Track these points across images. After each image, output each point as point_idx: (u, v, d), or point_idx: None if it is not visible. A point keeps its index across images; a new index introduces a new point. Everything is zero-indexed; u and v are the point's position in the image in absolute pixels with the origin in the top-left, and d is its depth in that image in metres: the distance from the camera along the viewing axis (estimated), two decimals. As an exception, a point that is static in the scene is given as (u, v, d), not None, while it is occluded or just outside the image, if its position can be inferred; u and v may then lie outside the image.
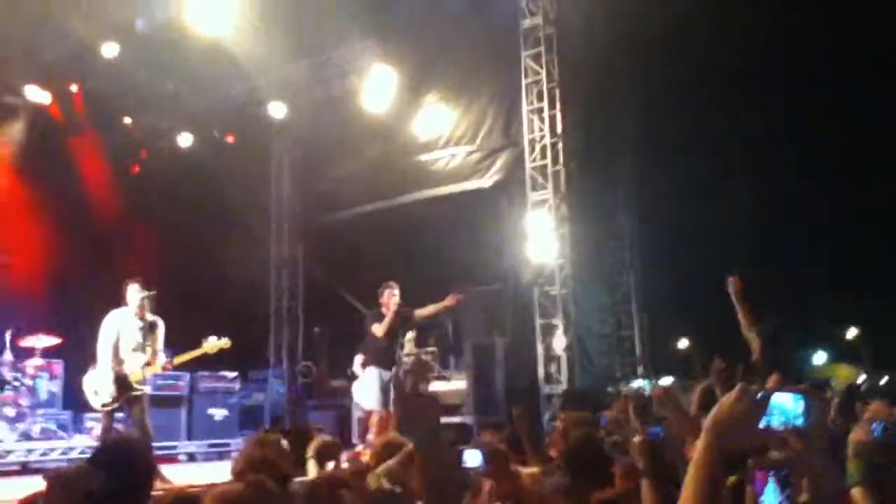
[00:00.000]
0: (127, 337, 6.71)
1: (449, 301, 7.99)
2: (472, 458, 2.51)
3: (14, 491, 5.95)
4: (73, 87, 10.90)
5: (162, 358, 6.87)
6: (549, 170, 9.55)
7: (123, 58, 10.23)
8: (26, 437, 8.07)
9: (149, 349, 6.77)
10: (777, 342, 4.55)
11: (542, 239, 9.42)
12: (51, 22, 9.49)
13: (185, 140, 12.19)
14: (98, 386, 6.57)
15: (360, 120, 11.30)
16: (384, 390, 7.78)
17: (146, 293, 6.80)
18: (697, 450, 1.51)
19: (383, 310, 7.96)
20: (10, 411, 8.02)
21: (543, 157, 9.63)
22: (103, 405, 6.59)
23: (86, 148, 11.28)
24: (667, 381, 8.50)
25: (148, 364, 6.73)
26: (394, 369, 8.00)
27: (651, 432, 3.65)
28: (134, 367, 6.64)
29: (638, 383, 8.49)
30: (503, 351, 9.12)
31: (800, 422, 1.61)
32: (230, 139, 12.50)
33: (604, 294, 10.16)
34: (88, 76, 10.74)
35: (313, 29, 10.48)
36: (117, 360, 6.59)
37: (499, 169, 10.44)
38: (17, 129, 10.81)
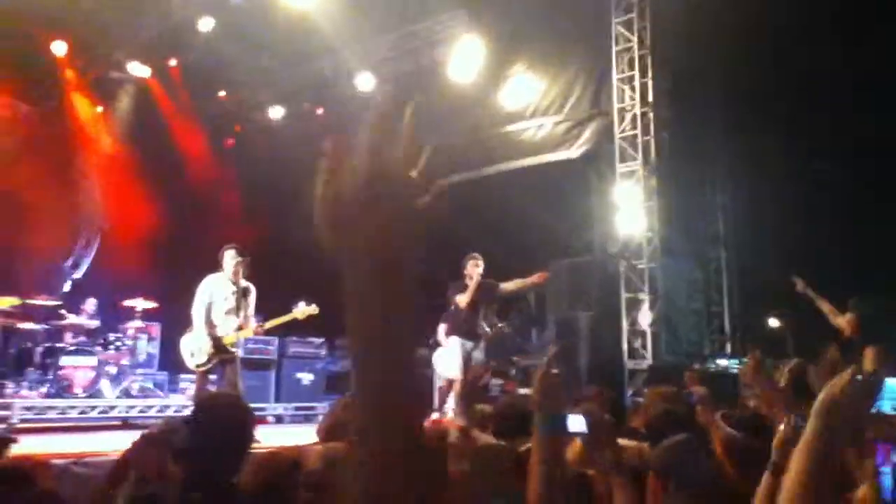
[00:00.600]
0: (221, 301, 6.96)
1: (536, 278, 7.94)
2: (576, 423, 2.46)
3: (115, 444, 6.32)
4: (172, 62, 11.31)
5: (253, 322, 7.11)
6: (639, 140, 9.27)
7: (218, 32, 10.54)
8: (126, 394, 8.54)
9: (241, 313, 7.01)
10: (875, 319, 4.30)
11: (630, 211, 9.18)
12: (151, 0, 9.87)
13: (276, 113, 12.50)
14: (194, 347, 6.85)
15: (447, 91, 11.27)
16: (466, 360, 7.82)
17: (240, 258, 7.03)
18: (806, 435, 1.46)
19: (466, 280, 7.98)
20: (112, 369, 8.50)
21: (633, 127, 9.35)
22: (198, 366, 6.87)
23: (183, 120, 11.69)
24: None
25: (240, 328, 6.97)
26: (475, 341, 8.02)
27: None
28: (227, 331, 6.89)
29: (725, 361, 8.18)
30: (587, 325, 8.96)
31: None
32: (320, 111, 12.73)
33: (694, 269, 9.82)
34: (186, 50, 11.11)
35: (400, 1, 10.48)
36: (210, 323, 6.86)
37: (587, 139, 10.19)
38: (120, 103, 11.32)
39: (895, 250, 6.70)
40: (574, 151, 10.27)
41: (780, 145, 8.43)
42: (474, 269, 7.98)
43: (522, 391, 8.62)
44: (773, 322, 9.11)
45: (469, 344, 7.94)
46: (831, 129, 7.76)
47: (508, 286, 8.07)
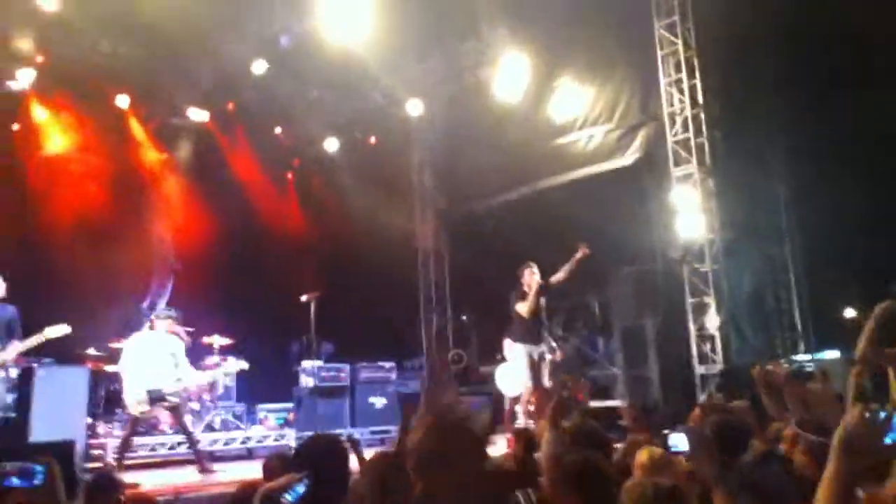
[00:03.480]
0: None
1: (580, 255, 8.00)
2: (679, 441, 2.53)
3: (208, 478, 6.60)
4: (230, 105, 11.76)
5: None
6: (693, 142, 9.22)
7: (271, 72, 10.93)
8: (209, 428, 8.86)
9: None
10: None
11: (689, 214, 9.12)
12: (206, 49, 10.29)
13: (331, 145, 12.85)
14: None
15: (495, 109, 11.41)
16: (534, 368, 7.90)
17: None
18: (827, 473, 1.57)
19: (525, 289, 8.10)
20: (195, 405, 8.84)
21: (685, 129, 9.30)
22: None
23: (244, 159, 12.12)
24: (831, 354, 7.98)
25: None
26: (542, 346, 8.10)
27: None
28: None
29: (800, 358, 8.03)
30: (655, 332, 8.92)
31: None
32: (372, 140, 13.04)
33: (759, 267, 9.66)
34: (242, 92, 11.53)
35: (442, 25, 10.66)
36: None
37: (639, 146, 10.16)
38: (183, 148, 11.81)
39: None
40: (627, 159, 10.26)
41: (839, 133, 8.27)
42: (531, 277, 8.11)
43: (593, 403, 8.64)
44: (849, 313, 8.88)
45: (536, 350, 8.02)
46: (888, 114, 7.59)
47: (557, 276, 8.14)
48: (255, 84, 11.17)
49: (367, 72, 10.88)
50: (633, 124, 10.26)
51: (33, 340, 6.84)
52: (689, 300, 8.99)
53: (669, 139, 9.44)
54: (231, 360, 8.59)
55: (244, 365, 8.14)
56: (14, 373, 7.24)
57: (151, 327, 7.49)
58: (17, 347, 6.79)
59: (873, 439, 1.55)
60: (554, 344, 8.50)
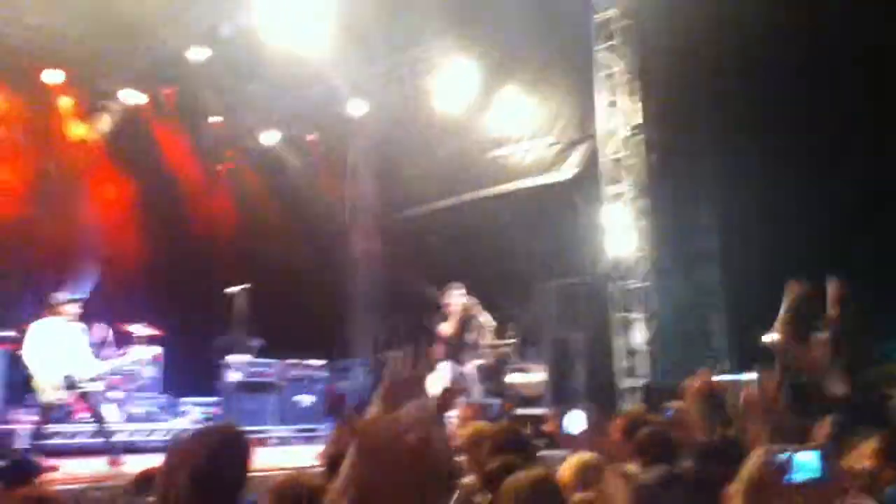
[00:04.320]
0: None
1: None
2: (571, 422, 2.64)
3: (127, 467, 6.39)
4: (166, 90, 11.44)
5: None
6: (626, 162, 9.52)
7: (212, 61, 10.73)
8: (131, 418, 8.59)
9: None
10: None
11: (618, 233, 9.44)
12: (144, 31, 10.00)
13: (268, 139, 12.67)
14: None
15: (436, 117, 11.52)
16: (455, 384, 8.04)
17: None
18: None
19: (447, 310, 8.35)
20: (118, 394, 8.55)
21: (619, 149, 9.60)
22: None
23: (177, 146, 11.80)
24: (751, 376, 8.36)
25: None
26: (467, 364, 8.29)
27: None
28: None
29: (722, 377, 8.38)
30: (583, 345, 9.18)
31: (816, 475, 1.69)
32: (310, 137, 12.92)
33: (687, 287, 10.03)
34: (180, 79, 11.24)
35: (389, 28, 10.69)
36: None
37: (575, 162, 10.44)
38: (116, 129, 11.39)
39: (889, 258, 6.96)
40: (562, 174, 10.53)
41: (771, 159, 8.58)
42: (456, 299, 8.37)
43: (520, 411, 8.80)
44: (767, 338, 9.28)
45: (458, 368, 8.24)
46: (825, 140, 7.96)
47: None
48: (193, 71, 10.91)
49: (310, 68, 10.80)
50: (571, 141, 10.53)
51: None
52: (616, 315, 9.27)
53: (602, 158, 9.71)
54: (140, 347, 8.37)
55: (155, 351, 8.00)
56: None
57: (54, 313, 7.15)
58: None
59: (775, 481, 1.66)
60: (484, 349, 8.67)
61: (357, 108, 12.26)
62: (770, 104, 8.44)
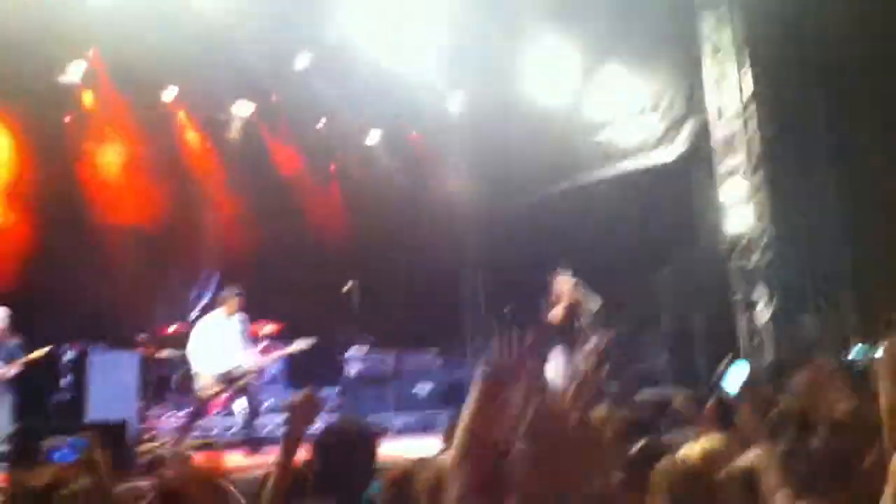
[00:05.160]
0: None
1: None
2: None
3: (256, 460, 6.68)
4: (273, 97, 11.87)
5: None
6: (738, 137, 9.13)
7: (314, 65, 11.05)
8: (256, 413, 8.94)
9: None
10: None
11: (735, 208, 9.06)
12: (252, 39, 10.41)
13: (372, 139, 12.94)
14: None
15: (537, 104, 11.37)
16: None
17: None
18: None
19: (553, 299, 8.21)
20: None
21: (732, 123, 9.21)
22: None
23: (287, 151, 12.22)
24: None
25: None
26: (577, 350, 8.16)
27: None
28: None
29: (853, 352, 7.90)
30: (703, 326, 8.88)
31: None
32: (413, 134, 13.09)
33: (811, 261, 9.51)
34: (286, 86, 11.63)
35: (485, 17, 10.65)
36: None
37: (684, 139, 10.10)
38: (229, 139, 11.91)
39: None
40: (671, 153, 10.19)
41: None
42: (563, 285, 8.20)
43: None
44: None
45: (569, 353, 8.12)
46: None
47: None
48: (298, 77, 11.26)
49: (408, 67, 10.93)
50: (677, 118, 10.18)
51: None
52: (738, 294, 8.90)
53: (715, 133, 9.35)
54: (300, 339, 8.33)
55: (311, 341, 8.05)
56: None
57: (217, 307, 7.55)
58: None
59: None
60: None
61: (457, 101, 12.31)
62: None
